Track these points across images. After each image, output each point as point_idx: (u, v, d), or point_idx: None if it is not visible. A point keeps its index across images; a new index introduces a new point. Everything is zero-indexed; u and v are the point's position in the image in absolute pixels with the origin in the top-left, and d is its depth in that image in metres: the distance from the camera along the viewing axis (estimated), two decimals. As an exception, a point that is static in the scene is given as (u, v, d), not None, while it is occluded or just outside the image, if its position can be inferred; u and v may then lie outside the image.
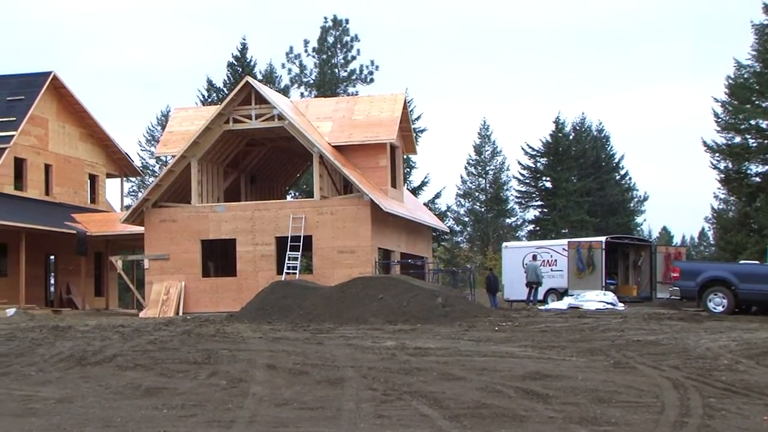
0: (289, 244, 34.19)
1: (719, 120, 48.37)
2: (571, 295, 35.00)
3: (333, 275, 32.94)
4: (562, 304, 33.33)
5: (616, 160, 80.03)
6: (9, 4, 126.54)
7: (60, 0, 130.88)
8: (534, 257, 37.13)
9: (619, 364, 16.02)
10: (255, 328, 23.60)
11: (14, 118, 40.17)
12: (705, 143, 48.46)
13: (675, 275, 30.47)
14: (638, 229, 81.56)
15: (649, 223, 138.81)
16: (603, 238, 38.23)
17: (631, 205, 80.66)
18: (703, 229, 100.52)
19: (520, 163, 75.37)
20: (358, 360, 16.51)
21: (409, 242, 39.68)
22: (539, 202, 75.80)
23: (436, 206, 66.39)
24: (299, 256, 34.13)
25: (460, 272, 47.03)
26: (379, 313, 25.29)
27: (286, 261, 34.01)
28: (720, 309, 28.67)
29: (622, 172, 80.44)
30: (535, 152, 74.43)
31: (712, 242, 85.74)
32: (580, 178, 74.28)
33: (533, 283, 35.70)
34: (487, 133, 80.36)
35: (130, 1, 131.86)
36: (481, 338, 20.48)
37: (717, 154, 48.70)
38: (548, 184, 74.62)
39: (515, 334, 21.58)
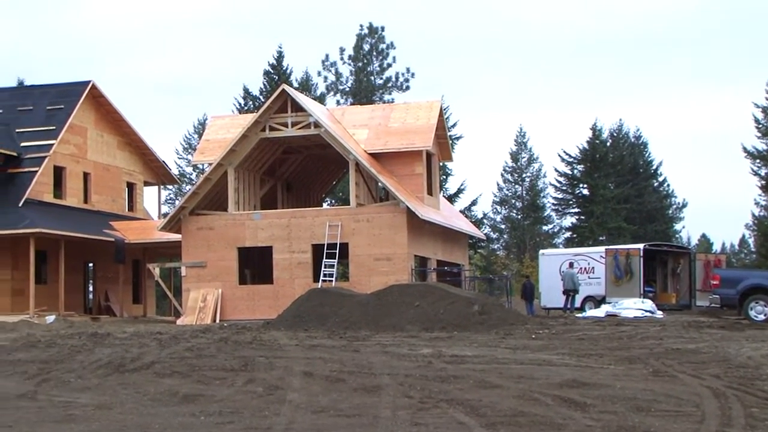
0: (325, 251, 34.23)
1: (760, 125, 47.92)
2: (609, 303, 34.74)
3: (369, 283, 32.93)
4: (600, 311, 33.09)
5: (654, 167, 79.41)
6: (49, 15, 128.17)
7: (99, 11, 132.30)
8: (571, 265, 36.91)
9: (658, 372, 15.83)
10: (291, 335, 23.62)
11: (54, 127, 40.61)
12: (745, 149, 48.09)
13: (715, 283, 30.13)
14: (677, 236, 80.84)
15: (688, 230, 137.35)
16: (641, 246, 37.91)
17: (670, 212, 79.97)
18: (743, 236, 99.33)
19: (556, 170, 75.10)
20: (395, 367, 16.46)
21: (445, 250, 39.58)
22: (576, 209, 75.38)
23: (473, 213, 66.25)
24: (335, 264, 34.15)
25: (497, 280, 46.85)
26: (415, 320, 25.23)
27: (323, 268, 34.05)
28: (761, 317, 28.30)
29: (660, 179, 79.81)
30: (572, 159, 74.06)
31: (752, 249, 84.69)
32: (618, 185, 73.75)
33: (570, 291, 35.47)
34: (524, 140, 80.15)
35: (167, 11, 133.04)
36: (518, 346, 20.35)
37: (757, 160, 48.26)
38: (585, 191, 74.20)
39: (552, 341, 21.43)
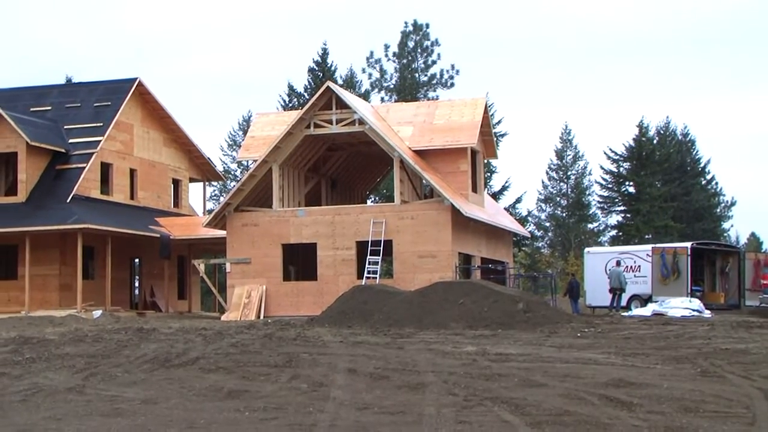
0: (369, 248, 34.25)
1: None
2: (656, 302, 34.37)
3: (413, 280, 32.88)
4: (646, 310, 32.75)
5: (702, 165, 78.46)
6: (97, 13, 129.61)
7: (146, 8, 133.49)
8: (617, 263, 36.55)
9: (707, 372, 15.61)
10: (335, 332, 23.65)
11: (101, 124, 41.03)
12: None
13: (765, 282, 29.70)
14: (725, 235, 79.78)
15: (737, 229, 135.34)
16: (688, 244, 37.43)
17: (718, 210, 78.96)
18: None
19: (602, 168, 74.42)
20: (439, 365, 16.41)
21: (489, 247, 39.42)
22: (622, 207, 74.67)
23: (517, 211, 65.92)
24: (379, 261, 34.15)
25: (541, 277, 46.59)
26: (459, 318, 25.14)
27: (367, 265, 34.05)
28: (812, 317, 27.81)
29: (708, 177, 78.85)
30: (617, 157, 73.38)
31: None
32: (665, 182, 72.97)
33: (617, 289, 35.15)
34: (569, 138, 79.60)
35: (213, 8, 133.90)
36: (563, 344, 20.20)
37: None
38: (631, 189, 73.48)
39: (598, 340, 21.24)
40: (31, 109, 42.41)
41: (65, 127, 41.44)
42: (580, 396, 13.12)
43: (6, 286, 38.33)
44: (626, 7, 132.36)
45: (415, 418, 11.80)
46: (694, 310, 31.60)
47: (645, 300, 36.04)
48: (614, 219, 76.11)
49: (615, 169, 74.05)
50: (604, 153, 76.29)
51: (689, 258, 35.90)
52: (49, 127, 41.10)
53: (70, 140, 40.68)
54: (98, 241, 38.21)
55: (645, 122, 73.83)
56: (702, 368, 16.08)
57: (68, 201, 38.02)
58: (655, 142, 75.00)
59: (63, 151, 40.03)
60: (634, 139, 72.71)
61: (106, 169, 41.16)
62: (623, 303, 35.76)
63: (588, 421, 11.39)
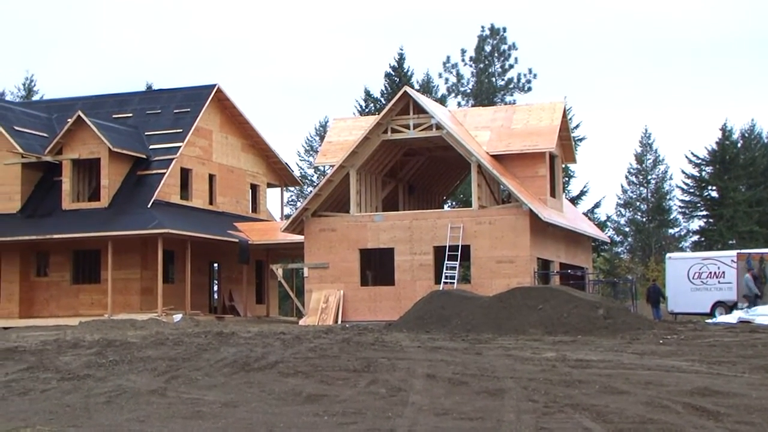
0: (447, 253, 34.12)
1: None
2: (741, 309, 33.60)
3: (491, 285, 32.67)
4: (732, 317, 31.99)
5: (789, 169, 76.48)
6: (176, 20, 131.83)
7: (224, 15, 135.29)
8: (750, 270, 35.34)
9: (797, 382, 15.14)
10: (413, 337, 23.57)
11: (181, 130, 41.65)
12: None
13: None
14: (813, 240, 77.67)
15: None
16: (776, 250, 36.53)
17: (806, 216, 76.88)
18: None
19: (683, 172, 73.11)
20: (518, 371, 16.21)
21: (568, 252, 38.98)
22: (704, 212, 73.26)
23: (596, 216, 65.13)
24: (457, 266, 34.01)
25: (621, 283, 45.93)
26: (538, 324, 24.86)
27: (444, 271, 33.93)
28: None
29: (796, 182, 76.83)
30: (700, 160, 72.02)
31: None
32: (750, 187, 71.36)
33: (750, 297, 34.15)
34: (649, 141, 78.33)
35: (290, 14, 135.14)
36: (645, 351, 19.80)
37: None
38: (714, 194, 72.04)
39: (681, 347, 20.78)
40: (114, 116, 43.27)
41: (146, 133, 42.18)
42: (663, 404, 12.82)
43: (89, 290, 39.14)
44: (708, 7, 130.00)
45: (495, 425, 11.65)
46: (782, 318, 30.73)
47: (730, 307, 35.29)
48: (696, 224, 74.75)
49: (697, 174, 72.70)
50: (686, 157, 74.93)
51: (776, 264, 35.04)
52: (130, 133, 41.85)
53: (151, 146, 41.37)
54: (178, 245, 38.75)
55: (728, 125, 72.39)
56: (791, 377, 15.60)
57: (149, 206, 38.64)
58: (739, 145, 73.42)
59: (144, 156, 40.72)
60: (717, 142, 71.29)
61: (185, 174, 41.74)
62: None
63: (672, 430, 11.13)
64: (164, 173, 39.90)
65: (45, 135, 42.10)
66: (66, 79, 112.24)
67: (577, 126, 63.39)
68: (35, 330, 32.58)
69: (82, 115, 39.31)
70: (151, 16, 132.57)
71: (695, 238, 74.24)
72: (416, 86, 65.25)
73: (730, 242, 66.51)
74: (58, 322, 36.03)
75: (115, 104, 44.64)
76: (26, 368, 17.91)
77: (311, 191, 42.21)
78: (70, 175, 39.65)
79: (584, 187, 66.33)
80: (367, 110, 65.21)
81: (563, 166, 42.39)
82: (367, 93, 68.15)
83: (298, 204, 61.27)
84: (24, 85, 73.57)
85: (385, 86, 67.16)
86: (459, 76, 69.91)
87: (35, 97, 69.69)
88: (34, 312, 39.40)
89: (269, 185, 48.04)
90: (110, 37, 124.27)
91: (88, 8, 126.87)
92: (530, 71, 69.53)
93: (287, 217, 46.22)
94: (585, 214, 57.68)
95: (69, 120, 39.98)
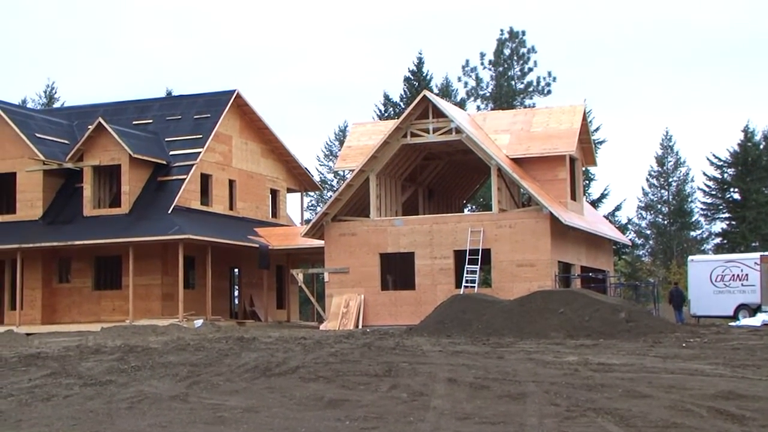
0: (467, 257, 34.06)
1: None
2: (765, 311, 33.37)
3: (512, 289, 32.58)
4: (756, 320, 31.80)
5: (812, 171, 75.85)
6: (195, 26, 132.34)
7: (243, 21, 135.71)
8: None
9: (822, 385, 14.99)
10: (434, 341, 23.52)
11: (200, 136, 41.78)
12: None
13: None
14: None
15: None
16: (801, 252, 36.27)
17: (829, 217, 76.24)
18: None
19: (705, 174, 72.72)
20: (540, 375, 16.14)
21: (589, 255, 38.83)
22: (726, 215, 72.83)
23: (617, 219, 64.84)
24: (478, 270, 33.93)
25: (643, 286, 45.72)
26: (559, 327, 24.78)
27: (465, 274, 33.87)
28: None
29: (819, 183, 76.20)
30: (721, 162, 71.59)
31: None
32: (772, 188, 70.88)
33: None
34: (670, 144, 77.94)
35: (308, 19, 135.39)
36: (668, 355, 19.68)
37: None
38: (736, 196, 71.60)
39: (704, 351, 20.65)
40: (134, 122, 43.47)
41: (166, 139, 42.34)
42: (687, 408, 12.73)
43: (111, 296, 39.31)
44: (728, 8, 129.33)
45: (517, 429, 11.60)
46: (807, 321, 30.56)
47: (754, 310, 35.05)
48: (718, 226, 74.30)
49: (719, 176, 72.28)
50: (707, 159, 74.53)
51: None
52: (150, 139, 42.02)
53: (171, 152, 41.52)
54: (199, 251, 38.85)
55: (750, 126, 71.94)
56: (816, 380, 15.46)
57: (169, 212, 38.76)
58: (761, 147, 72.94)
59: (164, 162, 40.87)
60: (739, 144, 70.86)
61: (205, 180, 41.86)
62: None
63: (697, 434, 11.04)
64: (184, 179, 40.02)
65: (66, 142, 42.35)
66: (87, 86, 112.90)
67: (597, 129, 63.20)
68: (57, 336, 32.75)
69: (103, 122, 39.51)
70: (170, 23, 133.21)
71: (717, 240, 73.79)
72: (435, 90, 65.21)
73: (753, 244, 66.06)
74: (80, 328, 36.18)
75: (135, 110, 44.84)
76: (49, 374, 17.99)
77: (331, 196, 42.20)
78: (91, 182, 39.84)
79: (605, 190, 66.14)
80: (386, 114, 65.22)
81: (583, 169, 42.24)
82: (387, 97, 68.19)
83: (318, 209, 61.29)
84: (45, 92, 74.16)
85: (405, 90, 67.17)
86: (478, 80, 69.84)
87: (56, 105, 70.22)
88: (56, 318, 39.61)
89: (289, 190, 48.12)
90: (130, 44, 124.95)
91: (109, 16, 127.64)
92: (549, 74, 69.39)
93: (307, 222, 46.26)
94: (606, 217, 57.42)
95: (90, 127, 40.20)
